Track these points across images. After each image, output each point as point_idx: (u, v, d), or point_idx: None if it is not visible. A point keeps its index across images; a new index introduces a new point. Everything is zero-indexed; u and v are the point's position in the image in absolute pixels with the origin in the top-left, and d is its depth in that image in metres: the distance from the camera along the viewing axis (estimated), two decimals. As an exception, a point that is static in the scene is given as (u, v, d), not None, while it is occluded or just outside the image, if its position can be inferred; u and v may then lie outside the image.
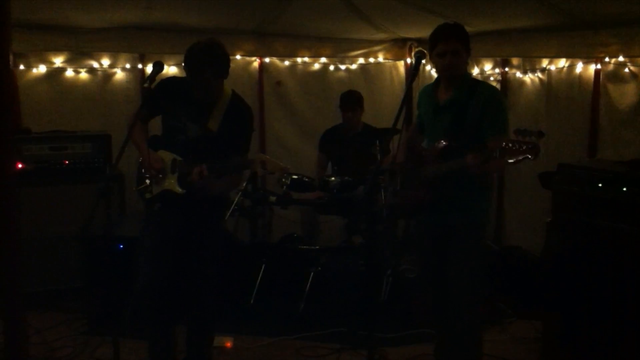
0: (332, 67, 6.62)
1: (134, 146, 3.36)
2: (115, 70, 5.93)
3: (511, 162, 2.75)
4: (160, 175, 3.33)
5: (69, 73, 5.78)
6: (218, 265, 3.54)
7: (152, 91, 3.25)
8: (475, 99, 3.18)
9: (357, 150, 5.41)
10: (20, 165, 4.77)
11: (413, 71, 3.22)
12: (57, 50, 5.65)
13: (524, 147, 2.69)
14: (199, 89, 3.25)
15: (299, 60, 6.50)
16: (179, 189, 3.30)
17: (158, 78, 3.26)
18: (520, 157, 2.70)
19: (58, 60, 5.72)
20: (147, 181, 3.42)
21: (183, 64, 3.23)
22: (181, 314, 3.54)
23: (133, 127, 3.18)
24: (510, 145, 2.72)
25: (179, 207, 3.36)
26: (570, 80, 5.24)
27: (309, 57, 6.49)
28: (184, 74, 3.32)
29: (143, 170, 3.44)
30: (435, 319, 3.60)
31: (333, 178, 5.03)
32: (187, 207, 3.36)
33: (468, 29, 3.31)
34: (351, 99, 5.60)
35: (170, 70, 5.79)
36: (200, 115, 3.33)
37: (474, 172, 2.96)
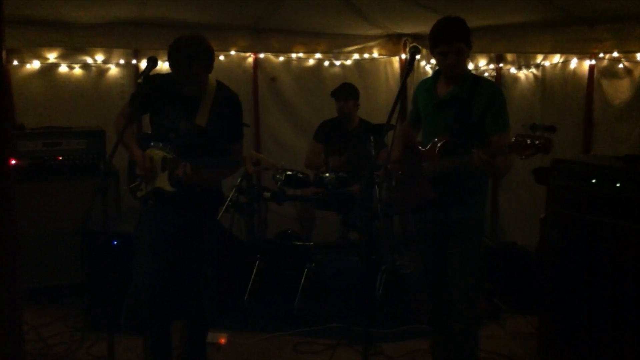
0: (326, 63, 6.62)
1: (124, 147, 3.34)
2: (109, 65, 5.92)
3: (522, 158, 2.77)
4: (151, 174, 3.32)
5: (63, 69, 5.77)
6: (215, 264, 3.54)
7: (140, 90, 3.22)
8: (478, 95, 3.18)
9: (353, 146, 5.41)
10: (14, 162, 4.74)
11: (408, 67, 3.22)
12: (51, 45, 5.63)
13: (537, 142, 2.70)
14: (187, 83, 3.22)
15: (294, 56, 6.50)
16: (169, 187, 3.28)
17: (152, 73, 3.25)
18: (532, 152, 2.72)
19: (52, 56, 5.70)
20: (138, 180, 3.40)
21: (168, 60, 3.18)
22: (178, 311, 3.53)
23: (123, 130, 3.16)
24: (521, 140, 2.74)
25: (171, 204, 3.35)
26: (565, 76, 5.25)
27: (303, 52, 6.48)
28: None
29: (134, 169, 3.43)
30: (432, 315, 3.60)
31: (328, 174, 5.03)
32: (179, 205, 3.35)
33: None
34: (343, 89, 5.66)
35: (165, 65, 5.74)
36: (188, 111, 3.31)
37: (481, 168, 2.96)
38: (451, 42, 3.14)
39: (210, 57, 3.24)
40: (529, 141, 2.73)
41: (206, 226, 3.46)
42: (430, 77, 3.47)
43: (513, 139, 2.79)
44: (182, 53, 3.13)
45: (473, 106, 3.18)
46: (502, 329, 4.51)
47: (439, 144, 3.23)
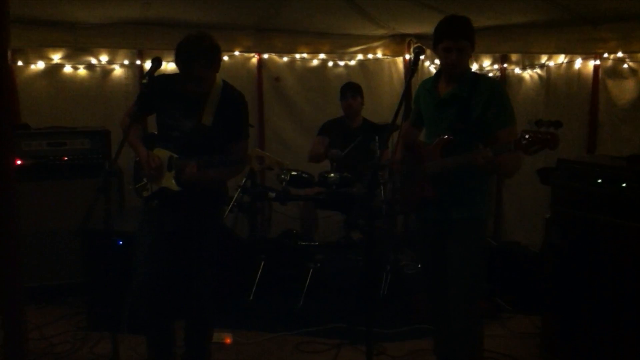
0: (330, 63, 6.61)
1: (130, 147, 3.36)
2: (113, 66, 5.92)
3: (529, 154, 2.76)
4: (157, 173, 3.33)
5: (67, 69, 5.78)
6: (215, 264, 3.54)
7: (144, 90, 3.24)
8: (478, 93, 3.17)
9: (356, 146, 5.41)
10: (19, 162, 4.76)
11: (412, 67, 3.22)
12: (56, 46, 5.64)
13: (544, 137, 2.68)
14: (192, 81, 3.22)
15: (298, 56, 6.50)
16: (175, 186, 3.29)
17: (156, 74, 3.26)
18: (538, 148, 2.70)
19: (56, 56, 5.71)
20: (144, 179, 3.41)
21: (174, 59, 3.21)
22: (179, 311, 3.54)
23: (129, 129, 3.17)
24: (527, 136, 2.72)
25: (176, 204, 3.35)
26: (570, 76, 5.25)
27: (307, 53, 6.48)
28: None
29: (140, 168, 3.44)
30: (434, 315, 3.60)
31: (332, 174, 5.03)
32: (184, 204, 3.36)
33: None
34: (351, 87, 5.66)
35: (169, 66, 5.78)
36: (193, 110, 3.32)
37: (484, 167, 2.95)
38: (455, 38, 3.13)
39: (214, 57, 3.24)
40: (534, 137, 2.71)
41: (206, 226, 3.46)
42: (431, 77, 3.46)
43: (519, 136, 2.78)
44: (184, 52, 3.15)
45: (473, 104, 3.17)
46: (505, 329, 4.51)
47: (440, 144, 3.22)
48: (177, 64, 3.22)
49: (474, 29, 3.20)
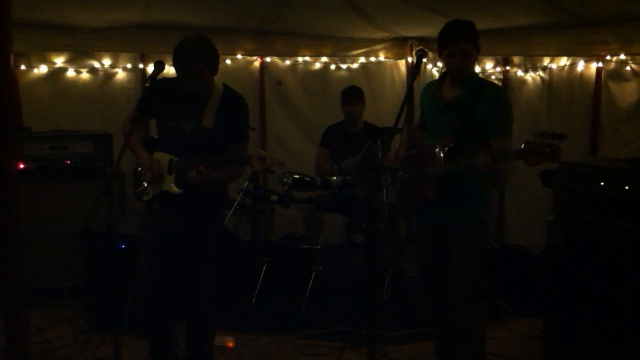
0: (333, 66, 6.62)
1: (131, 151, 3.36)
2: (116, 70, 5.93)
3: (530, 165, 2.76)
4: (158, 177, 3.33)
5: (70, 73, 5.79)
6: (215, 266, 3.54)
7: (146, 94, 3.25)
8: (483, 99, 3.17)
9: (358, 149, 5.41)
10: (21, 165, 4.76)
11: (414, 70, 3.22)
12: (58, 50, 5.65)
13: (545, 150, 2.69)
14: (192, 82, 3.23)
15: (300, 59, 6.50)
16: (176, 189, 3.30)
17: (159, 77, 3.27)
18: (540, 160, 2.71)
19: (59, 60, 5.73)
20: (145, 184, 3.42)
21: (173, 60, 3.21)
22: (180, 312, 3.54)
23: (130, 134, 3.18)
24: (529, 147, 2.73)
25: (177, 206, 3.36)
26: (572, 79, 5.25)
27: (309, 56, 6.48)
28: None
29: (140, 172, 3.45)
30: (436, 317, 3.60)
31: (335, 177, 5.03)
32: (185, 207, 3.37)
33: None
34: (352, 93, 5.65)
35: (172, 69, 5.78)
36: (194, 112, 3.33)
37: (482, 171, 2.96)
38: (459, 42, 3.13)
39: (214, 57, 3.27)
40: (537, 148, 2.72)
41: (206, 227, 3.47)
42: (435, 80, 3.47)
43: (522, 146, 2.78)
44: (186, 49, 3.16)
45: (477, 109, 3.17)
46: (506, 331, 4.50)
47: (442, 147, 3.22)
48: (176, 65, 3.22)
49: (477, 32, 3.20)
